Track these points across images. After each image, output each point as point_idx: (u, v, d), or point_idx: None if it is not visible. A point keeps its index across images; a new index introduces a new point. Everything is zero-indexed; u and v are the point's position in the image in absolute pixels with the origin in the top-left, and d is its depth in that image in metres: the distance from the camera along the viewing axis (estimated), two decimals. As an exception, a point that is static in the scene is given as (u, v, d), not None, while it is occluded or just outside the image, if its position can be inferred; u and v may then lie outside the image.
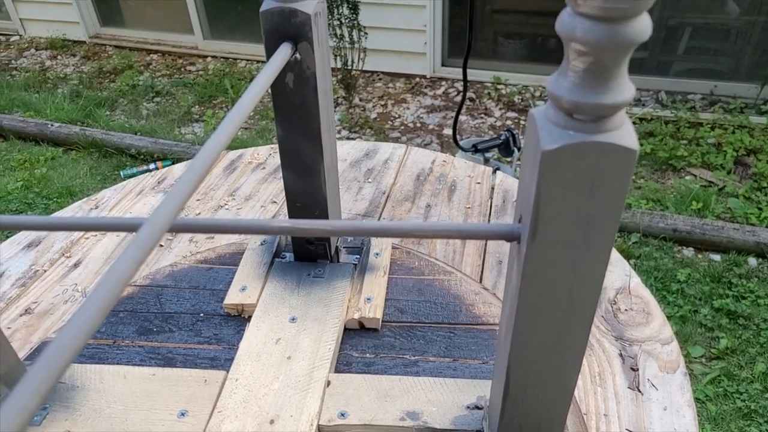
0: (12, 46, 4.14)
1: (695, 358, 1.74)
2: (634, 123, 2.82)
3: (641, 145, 2.68)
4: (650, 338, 0.74)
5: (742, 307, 1.87)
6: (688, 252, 2.15)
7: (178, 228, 0.46)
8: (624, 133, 0.35)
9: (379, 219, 1.01)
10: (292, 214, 0.79)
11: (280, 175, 1.14)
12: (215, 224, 0.45)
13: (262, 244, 0.86)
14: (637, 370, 0.70)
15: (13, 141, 3.10)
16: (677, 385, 0.68)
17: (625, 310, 0.78)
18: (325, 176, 0.74)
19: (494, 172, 1.08)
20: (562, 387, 0.48)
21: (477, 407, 0.61)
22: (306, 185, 0.75)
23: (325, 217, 0.79)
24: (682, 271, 2.02)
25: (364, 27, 3.03)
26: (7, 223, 0.47)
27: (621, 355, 0.72)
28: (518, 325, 0.44)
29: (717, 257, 2.12)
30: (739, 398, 1.60)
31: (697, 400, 1.60)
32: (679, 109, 2.85)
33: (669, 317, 1.84)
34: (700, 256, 2.14)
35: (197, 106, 3.39)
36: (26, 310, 0.85)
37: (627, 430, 0.63)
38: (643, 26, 0.31)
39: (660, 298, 1.92)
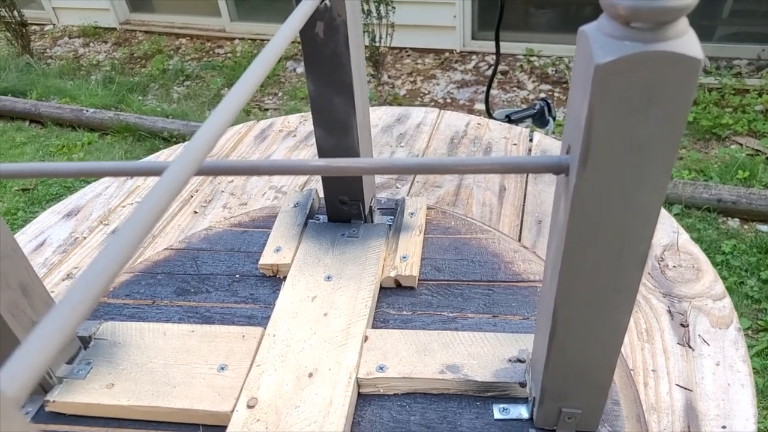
0: (46, 35, 4.22)
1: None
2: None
3: (681, 114, 2.58)
4: (701, 294, 0.70)
5: (791, 278, 1.79)
6: (734, 223, 2.07)
7: (207, 170, 0.45)
8: (687, 41, 0.32)
9: (411, 183, 0.99)
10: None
11: (311, 142, 1.14)
12: (247, 165, 0.44)
13: (295, 206, 0.85)
14: (687, 326, 0.67)
15: (51, 127, 3.17)
16: (731, 341, 0.64)
17: (674, 266, 0.74)
18: (357, 133, 0.72)
19: (531, 132, 1.05)
20: (612, 330, 0.46)
21: (519, 360, 0.59)
22: (338, 142, 0.74)
23: (359, 177, 0.77)
24: (727, 242, 1.95)
25: (392, 1, 2.98)
26: (40, 170, 0.47)
27: (669, 311, 0.69)
28: (566, 264, 0.42)
29: (765, 228, 2.03)
30: (788, 370, 1.54)
31: (743, 371, 1.54)
32: (724, 76, 2.73)
33: (713, 289, 1.78)
34: (746, 226, 2.06)
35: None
36: (68, 275, 0.87)
37: (677, 385, 0.61)
38: None
39: (703, 270, 1.85)
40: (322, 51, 0.66)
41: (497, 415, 0.57)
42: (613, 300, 0.44)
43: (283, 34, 0.50)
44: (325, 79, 0.68)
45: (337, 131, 0.73)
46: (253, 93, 0.43)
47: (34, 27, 4.30)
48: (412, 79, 3.25)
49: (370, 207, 0.82)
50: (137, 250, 0.23)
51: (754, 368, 1.57)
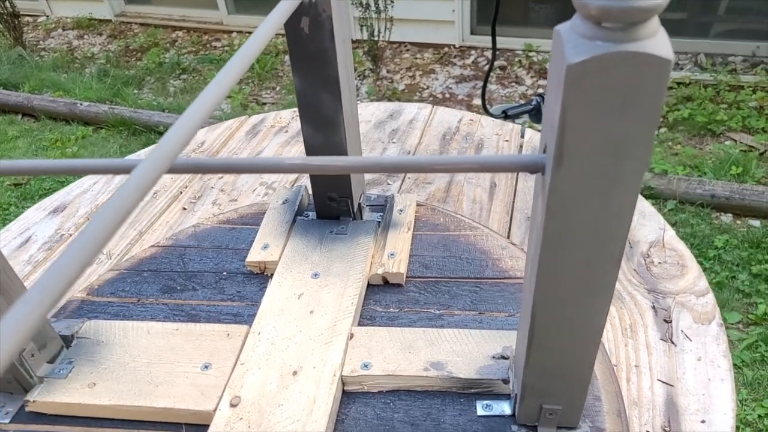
0: (40, 27, 4.20)
1: (732, 324, 1.69)
2: (671, 88, 2.72)
3: (678, 110, 2.59)
4: (685, 290, 0.71)
5: (783, 273, 1.80)
6: (726, 218, 2.08)
7: (180, 168, 0.44)
8: (658, 42, 0.32)
9: (403, 180, 0.99)
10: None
11: (303, 137, 1.13)
12: (221, 164, 0.44)
13: (284, 203, 0.85)
14: (671, 322, 0.67)
15: (45, 121, 3.16)
16: (712, 336, 0.65)
17: (659, 263, 0.75)
18: (345, 129, 0.72)
19: (524, 127, 1.05)
20: (589, 328, 0.46)
21: (503, 357, 0.59)
22: (326, 139, 0.74)
23: (347, 174, 0.77)
24: (719, 238, 1.95)
25: (390, -5, 2.97)
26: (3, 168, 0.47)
27: (654, 307, 0.69)
28: (543, 263, 0.42)
29: (756, 223, 2.03)
30: (778, 364, 1.55)
31: (733, 365, 1.54)
32: (719, 72, 2.73)
33: (705, 284, 1.78)
34: (738, 222, 2.06)
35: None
36: (55, 271, 0.86)
37: (659, 380, 0.61)
38: None
39: (696, 265, 1.86)
40: (308, 46, 0.65)
41: (480, 411, 0.58)
42: (589, 298, 0.44)
43: (264, 30, 0.50)
44: (311, 75, 0.68)
45: (324, 128, 0.73)
46: (229, 90, 0.43)
47: (26, 18, 4.28)
48: (411, 73, 3.24)
49: (359, 204, 0.82)
50: (98, 254, 0.23)
51: (743, 361, 1.58)
